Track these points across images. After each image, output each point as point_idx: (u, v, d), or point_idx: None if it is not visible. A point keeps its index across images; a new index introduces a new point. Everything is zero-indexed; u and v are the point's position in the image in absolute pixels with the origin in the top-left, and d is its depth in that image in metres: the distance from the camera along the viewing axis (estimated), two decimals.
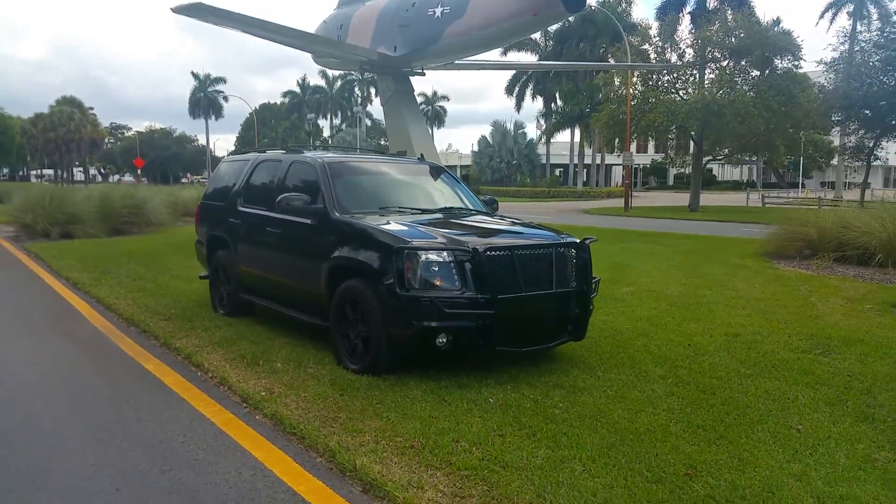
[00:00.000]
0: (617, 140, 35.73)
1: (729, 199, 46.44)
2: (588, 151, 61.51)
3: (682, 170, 42.19)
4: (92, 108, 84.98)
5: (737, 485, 3.46)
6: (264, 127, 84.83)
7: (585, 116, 48.84)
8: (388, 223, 5.51)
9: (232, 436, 4.27)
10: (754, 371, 5.49)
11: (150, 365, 5.82)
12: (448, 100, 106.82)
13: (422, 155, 7.72)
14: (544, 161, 65.11)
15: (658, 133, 34.59)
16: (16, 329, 7.19)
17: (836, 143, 37.43)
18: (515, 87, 60.24)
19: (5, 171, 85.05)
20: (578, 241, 5.65)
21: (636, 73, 32.96)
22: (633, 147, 59.76)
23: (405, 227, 5.36)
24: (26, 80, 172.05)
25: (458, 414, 4.45)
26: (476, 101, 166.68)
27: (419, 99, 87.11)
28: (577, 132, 58.26)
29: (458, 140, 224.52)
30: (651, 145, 67.30)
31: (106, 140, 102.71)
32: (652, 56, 33.35)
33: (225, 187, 7.79)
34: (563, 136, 62.29)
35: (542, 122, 62.20)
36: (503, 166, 63.00)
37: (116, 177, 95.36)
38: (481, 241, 5.16)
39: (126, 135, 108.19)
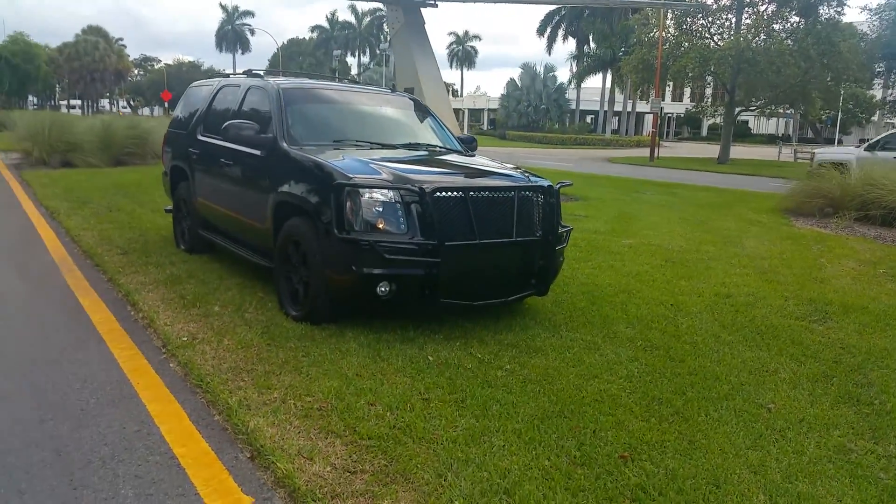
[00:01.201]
0: (648, 86, 34.21)
1: (762, 152, 44.73)
2: (619, 98, 59.66)
3: (716, 120, 40.57)
4: (121, 39, 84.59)
5: (677, 473, 2.95)
6: (291, 63, 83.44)
7: (618, 60, 46.94)
8: (340, 157, 4.95)
9: (134, 384, 3.86)
10: (736, 338, 4.92)
11: (86, 301, 5.44)
12: (480, 40, 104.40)
13: (393, 85, 7.07)
14: (574, 107, 63.29)
15: (689, 80, 33.05)
16: None
17: (879, 97, 35.50)
18: (547, 28, 58.35)
19: (34, 100, 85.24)
20: (546, 184, 5.03)
21: (670, 16, 31.33)
22: (667, 95, 57.83)
23: (350, 162, 4.79)
24: (60, 9, 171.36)
25: (387, 372, 3.98)
26: (511, 43, 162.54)
27: (450, 38, 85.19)
28: (609, 77, 56.36)
29: (490, 82, 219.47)
30: (686, 94, 65.06)
31: (135, 72, 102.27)
32: None
33: (189, 115, 7.26)
34: (595, 82, 60.42)
35: (573, 65, 60.25)
36: (531, 111, 61.36)
37: (145, 110, 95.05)
38: (432, 180, 4.57)
39: (155, 67, 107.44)
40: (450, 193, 4.49)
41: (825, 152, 19.42)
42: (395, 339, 4.54)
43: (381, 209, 4.44)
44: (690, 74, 31.26)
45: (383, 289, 4.42)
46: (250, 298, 5.43)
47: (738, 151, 39.54)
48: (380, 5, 27.08)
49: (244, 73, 6.77)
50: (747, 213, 12.25)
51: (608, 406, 3.63)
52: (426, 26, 16.21)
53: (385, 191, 4.45)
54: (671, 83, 37.62)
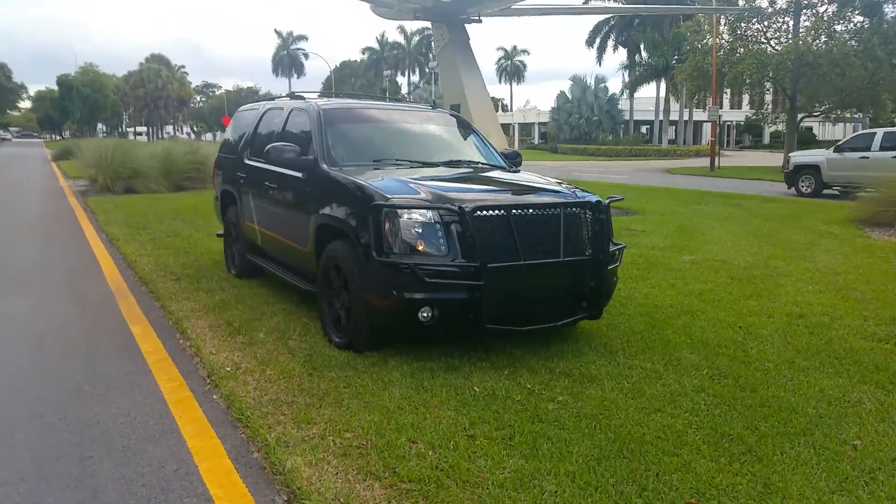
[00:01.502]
0: (704, 94, 33.23)
1: None
2: (675, 107, 58.33)
3: (778, 127, 39.08)
4: (183, 67, 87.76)
5: None
6: (343, 84, 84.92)
7: (671, 68, 45.85)
8: (379, 178, 4.81)
9: (176, 419, 3.76)
10: (811, 363, 4.53)
11: (137, 329, 5.43)
12: (528, 54, 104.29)
13: (434, 102, 6.94)
14: (627, 117, 62.21)
15: (746, 87, 31.96)
16: (27, 286, 6.97)
17: None
18: (596, 39, 57.56)
19: (103, 128, 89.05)
20: (595, 199, 4.76)
21: (724, 22, 30.47)
22: (725, 103, 56.10)
23: (389, 182, 4.64)
24: (128, 40, 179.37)
25: (430, 405, 3.77)
26: (560, 56, 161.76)
27: (499, 53, 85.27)
28: (663, 86, 55.22)
29: (540, 96, 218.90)
30: (745, 101, 63.18)
31: (198, 98, 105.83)
32: (741, 2, 30.80)
33: (237, 139, 7.29)
34: (648, 91, 59.21)
35: (625, 75, 59.22)
36: (582, 123, 60.56)
37: (208, 135, 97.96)
38: (472, 199, 4.37)
39: (216, 93, 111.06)
40: (491, 212, 4.29)
41: (799, 155, 20.52)
42: (439, 367, 4.34)
43: (420, 230, 4.27)
44: (748, 81, 30.27)
45: (425, 314, 4.24)
46: (295, 324, 5.32)
47: None
48: (428, 24, 27.22)
49: (288, 95, 6.74)
50: (817, 225, 11.62)
51: (672, 444, 3.33)
52: (471, 42, 16.13)
53: (424, 211, 4.28)
54: (728, 90, 36.47)
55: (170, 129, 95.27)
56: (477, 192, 4.77)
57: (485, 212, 4.27)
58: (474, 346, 4.68)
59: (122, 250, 8.79)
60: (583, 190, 5.02)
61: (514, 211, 4.36)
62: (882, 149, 17.01)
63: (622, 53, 57.45)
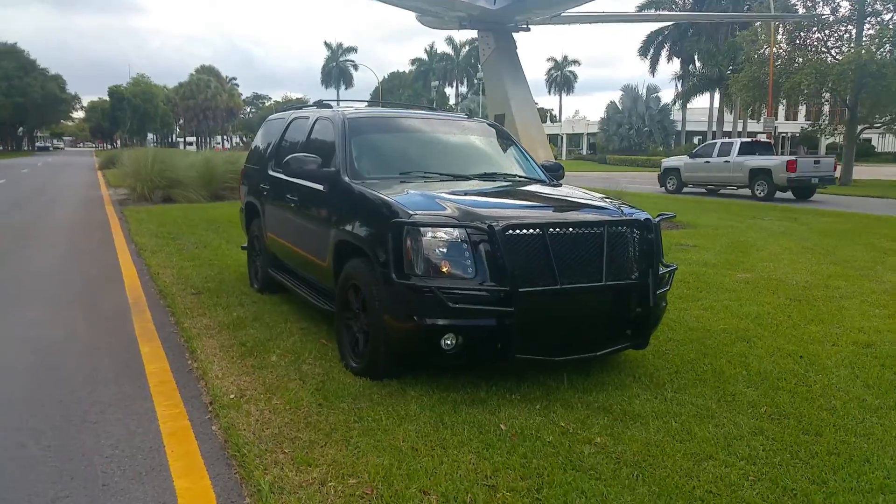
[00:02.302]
0: (759, 104, 32.15)
1: (889, 172, 41.13)
2: (728, 118, 56.83)
3: (834, 139, 37.54)
4: (235, 79, 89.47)
5: None
6: (391, 95, 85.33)
7: (726, 79, 44.63)
8: (404, 192, 4.41)
9: (168, 453, 3.40)
10: (885, 402, 3.96)
11: (146, 348, 5.13)
12: (579, 64, 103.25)
13: (469, 111, 6.55)
14: (679, 128, 60.86)
15: (804, 97, 30.83)
16: (42, 297, 6.79)
17: None
18: (650, 49, 56.55)
19: (153, 138, 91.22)
20: (643, 217, 4.26)
21: (781, 31, 29.44)
22: (781, 113, 54.33)
23: (413, 197, 4.23)
24: (180, 51, 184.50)
25: (449, 445, 3.34)
26: (612, 66, 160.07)
27: (548, 64, 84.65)
28: (717, 97, 53.86)
29: (590, 106, 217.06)
30: (801, 112, 61.25)
31: (247, 109, 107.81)
32: (800, 11, 29.74)
33: (263, 149, 7.01)
34: (702, 102, 57.90)
35: (678, 85, 57.96)
36: (632, 133, 59.49)
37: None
38: (504, 216, 3.94)
39: (265, 105, 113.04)
40: (525, 231, 3.84)
41: (668, 160, 24.62)
42: (463, 399, 3.91)
43: (445, 250, 3.85)
44: (805, 91, 29.17)
45: (448, 342, 3.81)
46: (312, 346, 4.95)
47: (861, 171, 36.45)
48: (475, 34, 26.92)
49: (315, 103, 6.42)
50: (879, 241, 10.82)
51: (726, 501, 2.84)
52: (518, 50, 15.70)
53: (449, 229, 3.85)
54: (784, 101, 35.27)
55: (218, 138, 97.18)
56: (511, 209, 4.33)
57: (518, 230, 3.82)
58: (505, 375, 4.23)
59: (147, 261, 8.59)
60: (630, 206, 4.51)
61: (550, 230, 3.89)
62: (719, 155, 21.31)
63: (676, 64, 56.29)
